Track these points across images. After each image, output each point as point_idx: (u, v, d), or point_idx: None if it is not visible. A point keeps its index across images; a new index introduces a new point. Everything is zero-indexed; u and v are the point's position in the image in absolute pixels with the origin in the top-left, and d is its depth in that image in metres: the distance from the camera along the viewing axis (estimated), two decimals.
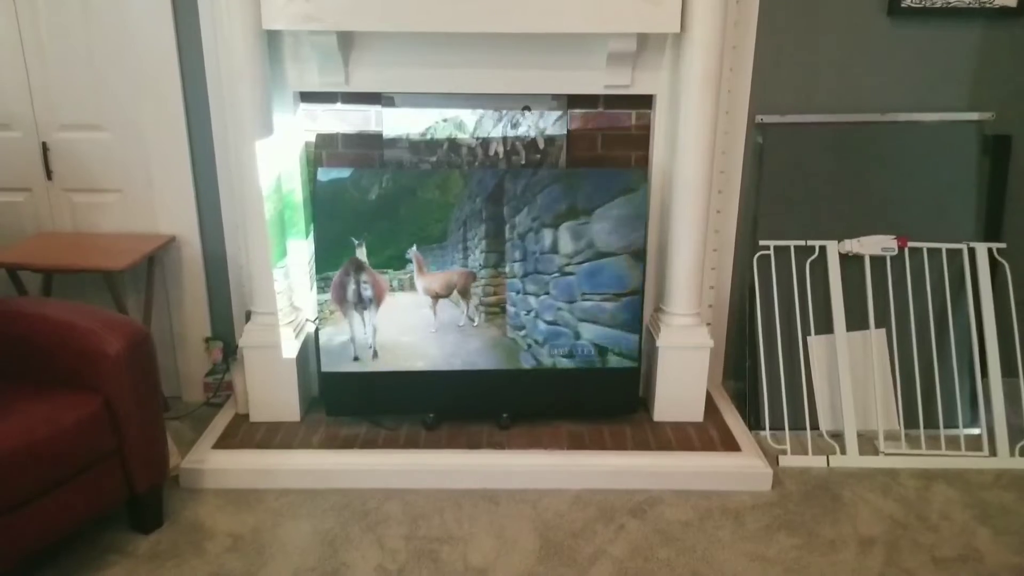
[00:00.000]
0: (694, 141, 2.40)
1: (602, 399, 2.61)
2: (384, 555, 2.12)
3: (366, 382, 2.56)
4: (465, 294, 2.47)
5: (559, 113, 2.57)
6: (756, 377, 2.72)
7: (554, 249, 2.47)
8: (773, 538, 2.20)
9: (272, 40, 2.39)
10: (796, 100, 2.68)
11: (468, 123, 2.57)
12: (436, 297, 2.49)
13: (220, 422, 2.63)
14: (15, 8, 2.56)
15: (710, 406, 2.72)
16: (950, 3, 2.56)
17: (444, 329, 2.52)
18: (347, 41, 2.40)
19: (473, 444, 2.51)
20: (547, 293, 2.51)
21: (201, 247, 2.78)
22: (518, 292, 2.51)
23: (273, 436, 2.54)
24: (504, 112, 2.54)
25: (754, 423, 2.71)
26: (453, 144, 2.60)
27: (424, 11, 2.26)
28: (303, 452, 2.46)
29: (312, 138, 2.60)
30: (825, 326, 2.71)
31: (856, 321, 2.71)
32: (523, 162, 2.62)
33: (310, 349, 2.73)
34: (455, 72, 2.45)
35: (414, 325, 2.51)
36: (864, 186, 2.71)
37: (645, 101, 2.56)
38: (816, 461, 2.56)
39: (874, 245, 2.68)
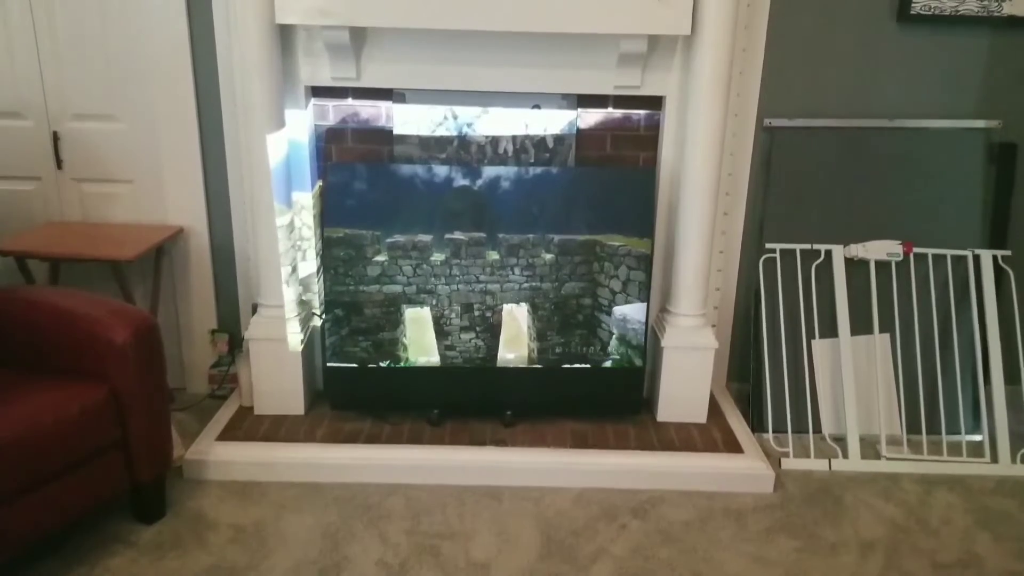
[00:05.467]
0: (703, 143, 2.41)
1: (606, 398, 2.62)
2: (386, 549, 2.12)
3: (371, 377, 2.57)
4: None
5: (568, 112, 2.58)
6: (760, 379, 2.73)
7: (560, 249, 2.49)
8: (774, 540, 2.21)
9: (284, 34, 2.39)
10: (804, 104, 2.69)
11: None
12: None
13: (224, 414, 2.64)
14: None
15: (714, 407, 2.73)
16: (959, 11, 2.57)
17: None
18: (359, 36, 2.41)
19: (477, 441, 2.51)
20: (552, 289, 2.52)
21: (209, 239, 2.79)
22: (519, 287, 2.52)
23: (277, 429, 2.55)
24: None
25: (757, 425, 2.72)
26: (463, 141, 2.61)
27: (436, 8, 2.27)
28: (307, 446, 2.47)
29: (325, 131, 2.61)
30: (829, 330, 2.72)
31: (860, 325, 2.71)
32: (532, 160, 2.63)
33: (316, 343, 2.74)
34: (466, 69, 2.46)
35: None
36: (870, 191, 2.72)
37: (655, 102, 2.57)
38: (818, 464, 2.56)
39: (880, 250, 2.68)
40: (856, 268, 2.72)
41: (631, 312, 2.51)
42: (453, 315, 2.53)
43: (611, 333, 2.54)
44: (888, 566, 2.12)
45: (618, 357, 2.56)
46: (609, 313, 2.52)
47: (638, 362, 2.56)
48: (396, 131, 2.59)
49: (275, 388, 2.60)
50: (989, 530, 2.28)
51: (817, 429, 2.70)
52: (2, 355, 2.15)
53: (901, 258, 2.69)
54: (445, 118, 2.58)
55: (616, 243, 2.48)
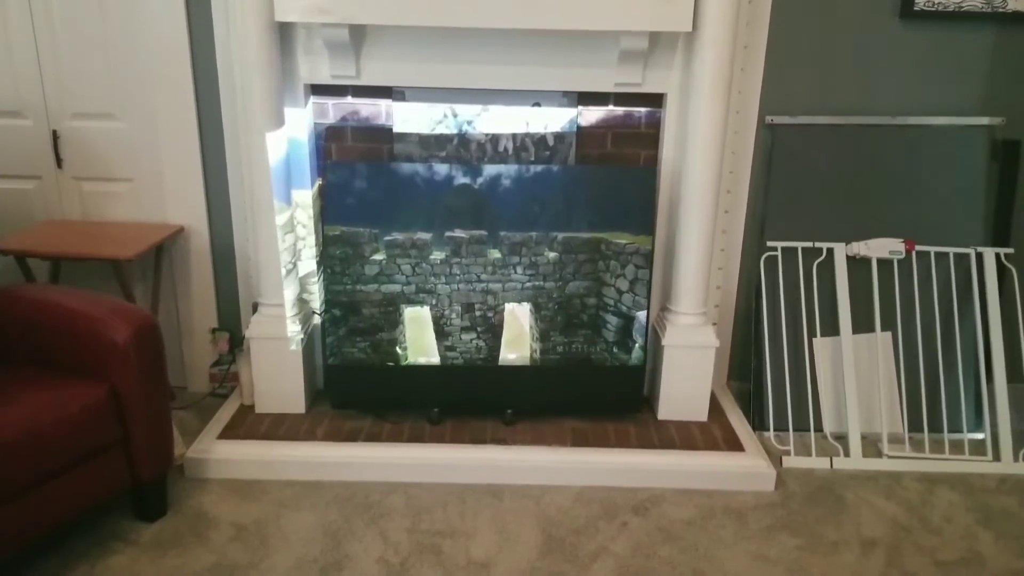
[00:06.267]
0: (704, 141, 2.40)
1: (607, 397, 2.61)
2: (387, 547, 2.12)
3: (371, 376, 2.57)
4: None
5: (569, 110, 2.58)
6: (761, 377, 2.72)
7: (563, 247, 2.48)
8: (775, 538, 2.21)
9: (284, 32, 2.39)
10: (806, 102, 2.68)
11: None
12: None
13: (225, 413, 2.64)
14: None
15: (714, 406, 2.72)
16: (962, 7, 2.56)
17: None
18: (359, 34, 2.40)
19: (477, 439, 2.51)
20: (553, 288, 2.51)
21: (209, 238, 2.79)
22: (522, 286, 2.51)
23: (278, 427, 2.55)
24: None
25: (758, 423, 2.71)
26: (463, 139, 2.60)
27: (436, 5, 2.26)
28: (307, 444, 2.47)
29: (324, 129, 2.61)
30: (831, 328, 2.71)
31: (862, 324, 2.71)
32: (532, 158, 2.62)
33: (316, 341, 2.74)
34: (466, 67, 2.45)
35: None
36: (872, 189, 2.71)
37: (656, 99, 2.56)
38: (820, 463, 2.56)
39: (881, 248, 2.68)
40: (858, 266, 2.71)
41: (635, 311, 2.51)
42: (454, 315, 2.52)
43: (616, 332, 2.53)
44: (889, 564, 2.11)
45: (619, 355, 2.55)
46: (615, 312, 2.52)
47: (639, 360, 2.56)
48: (396, 129, 2.59)
49: (276, 387, 2.60)
50: (991, 528, 2.27)
51: (818, 427, 2.70)
52: (3, 353, 2.16)
53: (903, 256, 2.68)
54: (445, 116, 2.58)
55: (623, 241, 2.47)
